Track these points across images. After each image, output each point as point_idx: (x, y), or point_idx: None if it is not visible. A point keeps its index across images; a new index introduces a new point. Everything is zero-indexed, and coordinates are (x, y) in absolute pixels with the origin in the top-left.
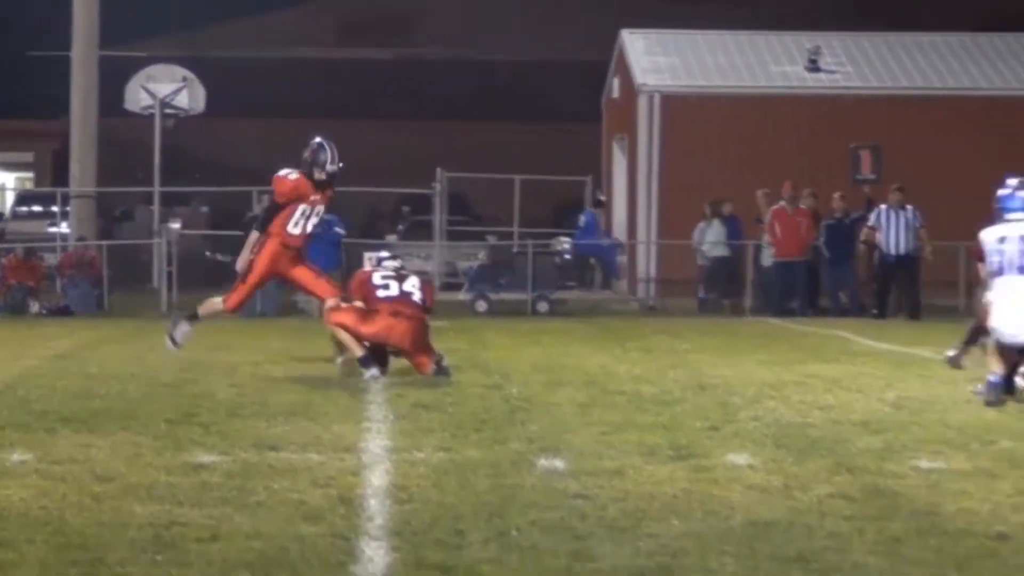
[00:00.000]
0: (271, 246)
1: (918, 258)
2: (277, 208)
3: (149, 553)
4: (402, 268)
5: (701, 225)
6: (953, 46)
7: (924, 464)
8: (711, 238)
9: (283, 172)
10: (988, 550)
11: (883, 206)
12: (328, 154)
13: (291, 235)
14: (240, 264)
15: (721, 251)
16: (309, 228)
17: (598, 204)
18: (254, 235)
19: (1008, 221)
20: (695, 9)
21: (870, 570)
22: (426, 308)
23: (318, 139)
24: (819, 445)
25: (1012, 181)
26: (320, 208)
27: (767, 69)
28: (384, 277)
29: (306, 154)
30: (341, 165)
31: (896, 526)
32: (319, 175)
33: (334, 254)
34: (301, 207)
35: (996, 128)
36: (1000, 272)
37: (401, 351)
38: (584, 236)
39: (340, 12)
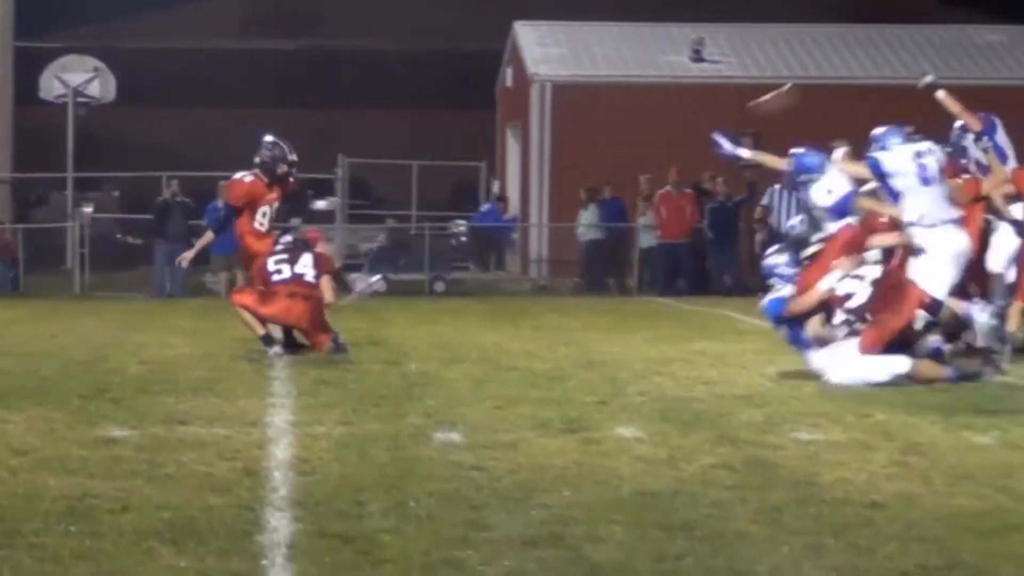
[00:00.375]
0: (250, 242)
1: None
2: (232, 211)
3: (63, 524)
4: (298, 242)
5: (582, 210)
6: (831, 36)
7: (803, 436)
8: (585, 222)
9: (238, 175)
10: (863, 518)
11: (776, 186)
12: (283, 148)
13: (261, 233)
14: (187, 257)
15: (595, 234)
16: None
17: (498, 199)
18: (209, 235)
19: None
20: (586, 1)
21: (752, 538)
22: (328, 272)
23: (269, 137)
24: (703, 418)
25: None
26: (276, 204)
27: (654, 59)
28: (277, 262)
29: (263, 154)
30: (295, 156)
31: (776, 495)
32: (283, 169)
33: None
34: (261, 209)
35: (874, 115)
36: None
37: (299, 330)
38: (486, 219)
39: (246, 5)
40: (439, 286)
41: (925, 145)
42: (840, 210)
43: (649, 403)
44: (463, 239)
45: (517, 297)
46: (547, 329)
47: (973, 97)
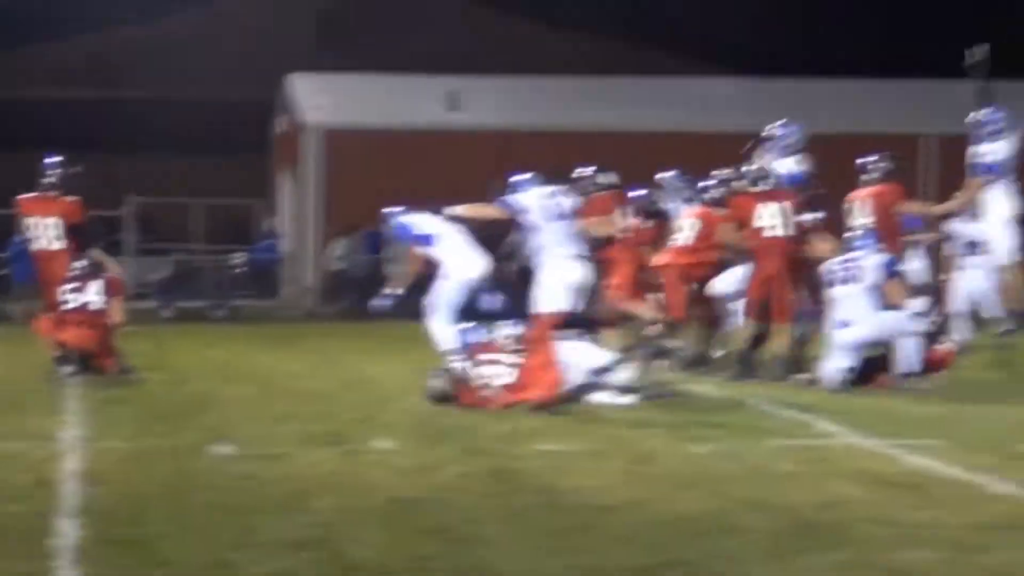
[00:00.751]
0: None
1: None
2: (79, 229)
3: None
4: (89, 267)
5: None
6: (579, 88)
7: (544, 447)
8: (335, 254)
9: (69, 198)
10: (599, 520)
11: None
12: (67, 162)
13: None
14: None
15: (338, 265)
16: None
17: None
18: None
19: None
20: (354, 53)
21: (497, 539)
22: (118, 295)
23: (53, 159)
24: (455, 432)
25: None
26: None
27: (416, 108)
28: (69, 291)
29: (61, 174)
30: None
31: (520, 501)
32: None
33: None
34: None
35: (614, 159)
36: None
37: (89, 354)
38: (262, 252)
39: (52, 58)
40: (220, 313)
41: (556, 188)
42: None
43: (406, 418)
44: (243, 270)
45: (291, 323)
46: (316, 352)
47: (704, 144)
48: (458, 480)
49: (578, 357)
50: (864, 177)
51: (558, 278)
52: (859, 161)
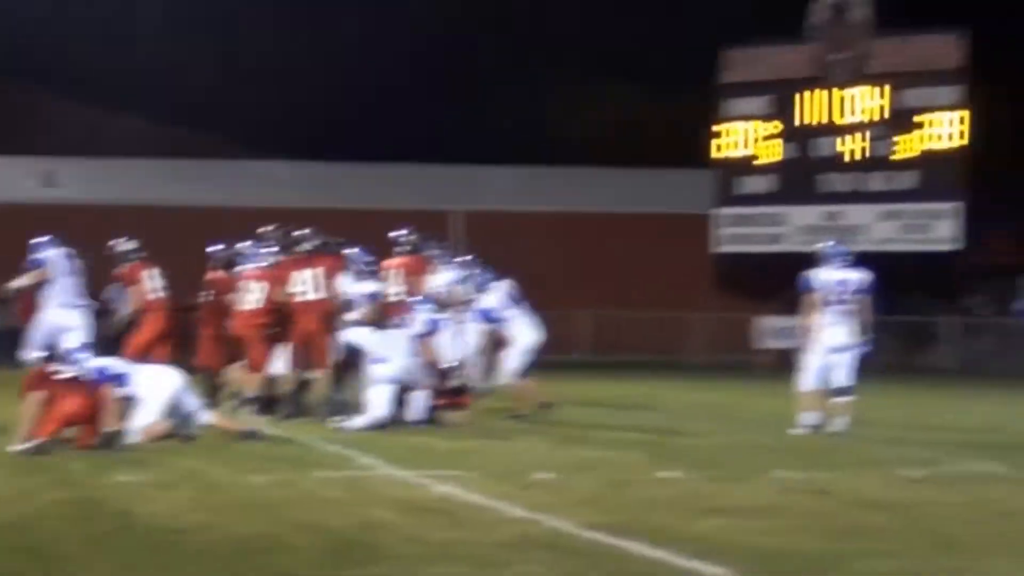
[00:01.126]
0: None
1: None
2: None
3: None
4: None
5: None
6: (165, 169)
7: (123, 478)
8: None
9: None
10: (170, 541)
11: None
12: None
13: None
14: None
15: None
16: None
17: None
18: None
19: None
20: None
21: (81, 558)
22: None
23: None
24: (47, 464)
25: None
26: None
27: (16, 184)
28: None
29: None
30: None
31: (100, 525)
32: None
33: None
34: None
35: (184, 232)
36: None
37: None
38: None
39: None
40: None
41: (69, 250)
42: None
43: (4, 452)
44: None
45: None
46: None
47: (258, 217)
48: (48, 507)
49: (152, 391)
50: (397, 249)
51: (57, 322)
52: (391, 234)
